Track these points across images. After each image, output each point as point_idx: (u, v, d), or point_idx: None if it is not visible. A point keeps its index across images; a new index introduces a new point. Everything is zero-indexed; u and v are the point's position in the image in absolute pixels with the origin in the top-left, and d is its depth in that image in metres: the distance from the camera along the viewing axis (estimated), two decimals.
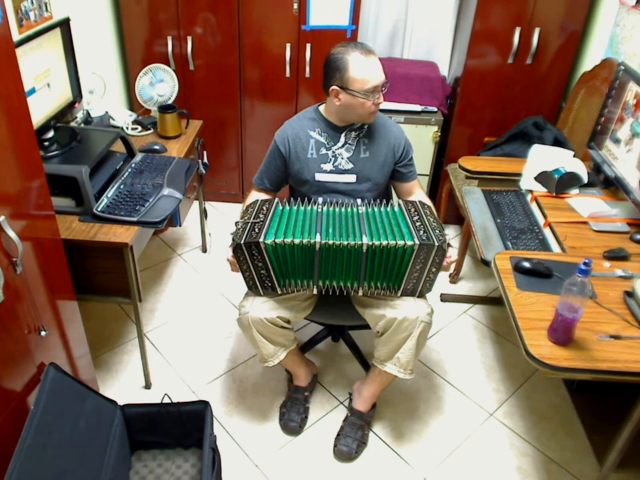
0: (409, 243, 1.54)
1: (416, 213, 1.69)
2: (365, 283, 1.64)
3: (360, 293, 1.66)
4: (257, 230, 1.58)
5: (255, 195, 1.91)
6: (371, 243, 1.54)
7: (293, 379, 2.03)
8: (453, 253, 1.66)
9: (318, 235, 1.56)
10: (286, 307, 1.73)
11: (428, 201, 1.87)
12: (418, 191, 1.94)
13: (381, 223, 1.64)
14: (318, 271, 1.61)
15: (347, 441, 1.87)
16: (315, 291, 1.66)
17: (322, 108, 1.83)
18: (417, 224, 1.63)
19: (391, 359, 1.73)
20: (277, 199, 1.74)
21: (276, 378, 2.14)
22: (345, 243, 1.55)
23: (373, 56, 1.66)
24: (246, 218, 1.65)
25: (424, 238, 1.55)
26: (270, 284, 1.66)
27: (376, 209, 1.71)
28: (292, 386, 2.03)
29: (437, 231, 1.60)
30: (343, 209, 1.70)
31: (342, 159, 1.81)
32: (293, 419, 1.94)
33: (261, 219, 1.62)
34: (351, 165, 1.81)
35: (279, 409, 2.01)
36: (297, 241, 1.54)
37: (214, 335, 2.34)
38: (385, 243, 1.54)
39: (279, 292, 1.68)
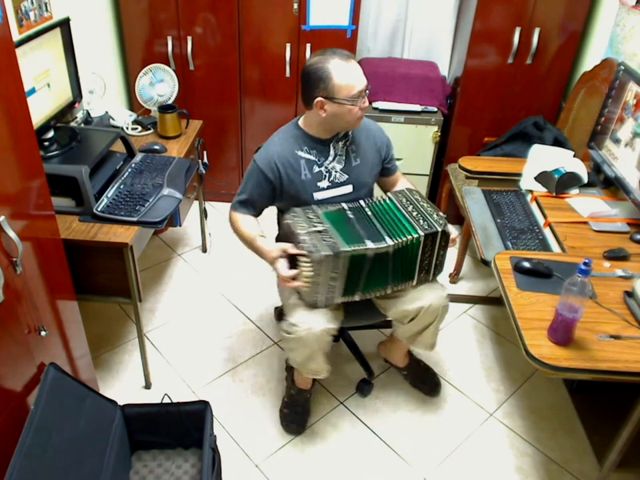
0: (415, 235, 1.58)
1: (408, 202, 1.70)
2: (392, 283, 1.69)
3: (389, 291, 1.71)
4: (331, 239, 1.55)
5: (246, 219, 1.78)
6: (395, 242, 1.59)
7: (297, 381, 2.00)
8: (452, 231, 1.69)
9: (388, 238, 1.58)
10: (333, 318, 1.70)
11: (412, 186, 1.90)
12: (402, 180, 1.96)
13: (390, 219, 1.68)
14: (365, 278, 1.64)
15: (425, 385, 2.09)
16: (356, 299, 1.68)
17: (301, 123, 1.75)
18: (414, 213, 1.66)
19: (415, 339, 1.83)
20: (312, 206, 1.71)
21: (276, 378, 2.14)
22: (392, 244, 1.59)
23: (352, 61, 1.62)
24: (304, 228, 1.59)
25: (426, 227, 1.59)
26: (332, 295, 1.63)
27: (375, 207, 1.72)
28: (294, 387, 2.01)
29: (435, 216, 1.64)
30: (361, 214, 1.71)
31: (335, 172, 1.76)
32: (296, 420, 1.94)
33: (323, 227, 1.59)
34: (345, 177, 1.78)
35: (279, 410, 2.01)
36: (370, 246, 1.56)
37: (214, 335, 2.34)
38: (403, 239, 1.58)
39: (337, 302, 1.66)
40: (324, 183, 1.76)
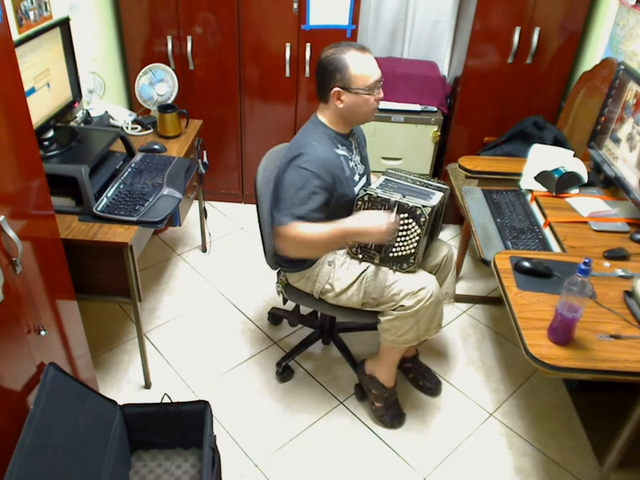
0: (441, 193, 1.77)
1: (402, 178, 1.82)
2: (430, 244, 1.84)
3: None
4: (415, 199, 1.68)
5: (316, 225, 1.63)
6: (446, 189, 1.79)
7: (387, 384, 1.95)
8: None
9: (434, 196, 1.73)
10: None
11: (374, 177, 1.98)
12: None
13: (413, 189, 1.81)
14: (429, 238, 1.78)
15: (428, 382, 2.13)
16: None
17: (324, 120, 1.73)
18: (417, 183, 1.79)
19: None
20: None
21: (276, 378, 2.14)
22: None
23: (368, 52, 1.66)
24: (391, 195, 1.69)
25: (438, 189, 1.75)
26: (420, 256, 1.75)
27: (394, 184, 1.83)
28: (386, 390, 1.95)
29: (433, 181, 1.80)
30: (398, 184, 1.83)
31: (358, 164, 1.82)
32: (398, 417, 1.99)
33: (402, 193, 1.70)
34: (363, 167, 1.85)
35: (377, 417, 1.98)
36: (440, 197, 1.72)
37: (214, 335, 2.34)
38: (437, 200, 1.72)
39: (419, 262, 1.75)
40: (357, 176, 1.81)
